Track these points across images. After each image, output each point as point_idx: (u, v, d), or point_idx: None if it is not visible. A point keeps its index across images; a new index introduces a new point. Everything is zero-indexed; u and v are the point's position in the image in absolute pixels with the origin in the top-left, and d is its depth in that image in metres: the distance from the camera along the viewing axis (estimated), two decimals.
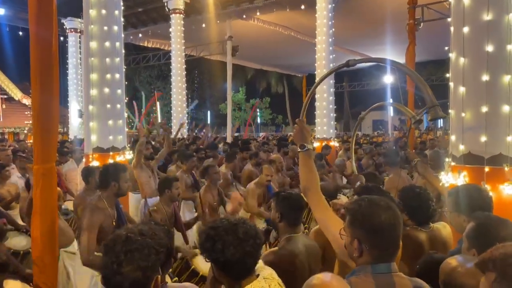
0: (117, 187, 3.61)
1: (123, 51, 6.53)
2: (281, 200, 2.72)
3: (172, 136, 11.95)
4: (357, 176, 4.03)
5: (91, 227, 3.35)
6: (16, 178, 6.07)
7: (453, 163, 3.99)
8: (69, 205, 5.61)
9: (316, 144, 11.02)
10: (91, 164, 5.81)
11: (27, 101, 25.17)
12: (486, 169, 3.69)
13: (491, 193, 2.69)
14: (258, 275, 1.85)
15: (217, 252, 1.75)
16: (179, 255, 3.99)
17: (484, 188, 2.61)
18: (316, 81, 2.58)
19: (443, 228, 2.86)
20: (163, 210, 4.20)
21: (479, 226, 2.01)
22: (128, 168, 4.80)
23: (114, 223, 3.57)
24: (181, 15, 15.17)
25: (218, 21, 15.99)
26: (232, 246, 1.74)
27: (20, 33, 18.47)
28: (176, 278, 3.46)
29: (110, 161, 5.99)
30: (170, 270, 3.53)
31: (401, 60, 13.86)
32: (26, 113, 24.52)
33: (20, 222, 4.99)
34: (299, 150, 2.30)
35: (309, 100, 2.62)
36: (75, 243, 4.21)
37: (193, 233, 5.10)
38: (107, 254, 1.59)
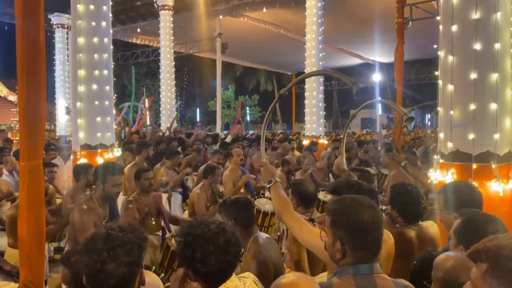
0: (101, 189, 3.53)
1: (112, 47, 6.47)
2: (230, 206, 2.75)
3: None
4: (349, 174, 4.02)
5: (86, 228, 3.29)
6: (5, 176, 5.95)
7: (441, 160, 4.03)
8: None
9: (306, 142, 11.07)
10: (82, 161, 5.73)
11: (13, 97, 24.76)
12: (474, 166, 3.73)
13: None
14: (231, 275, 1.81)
15: (197, 261, 1.68)
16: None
17: (474, 185, 2.64)
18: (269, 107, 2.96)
19: (431, 226, 2.89)
20: (139, 200, 4.33)
21: (467, 222, 2.01)
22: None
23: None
24: (171, 11, 15.07)
25: (207, 18, 15.90)
26: (213, 256, 1.67)
27: (6, 28, 18.15)
28: None
29: (99, 159, 5.96)
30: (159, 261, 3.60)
31: (390, 59, 13.96)
32: (12, 110, 24.11)
33: None
34: (268, 185, 2.46)
35: (266, 125, 2.93)
36: None
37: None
38: (88, 253, 1.55)
